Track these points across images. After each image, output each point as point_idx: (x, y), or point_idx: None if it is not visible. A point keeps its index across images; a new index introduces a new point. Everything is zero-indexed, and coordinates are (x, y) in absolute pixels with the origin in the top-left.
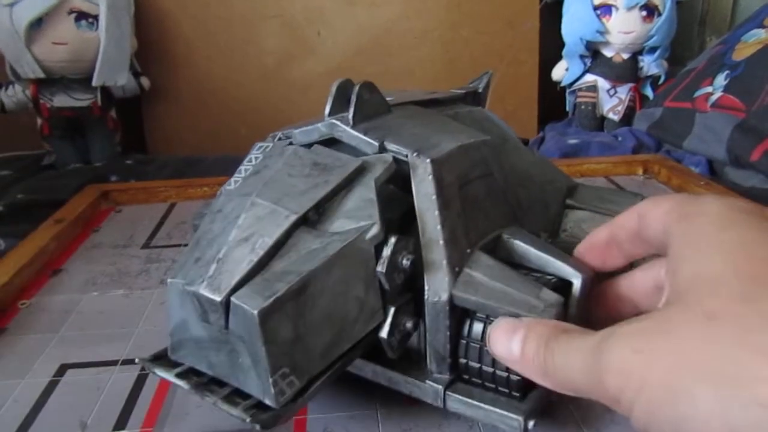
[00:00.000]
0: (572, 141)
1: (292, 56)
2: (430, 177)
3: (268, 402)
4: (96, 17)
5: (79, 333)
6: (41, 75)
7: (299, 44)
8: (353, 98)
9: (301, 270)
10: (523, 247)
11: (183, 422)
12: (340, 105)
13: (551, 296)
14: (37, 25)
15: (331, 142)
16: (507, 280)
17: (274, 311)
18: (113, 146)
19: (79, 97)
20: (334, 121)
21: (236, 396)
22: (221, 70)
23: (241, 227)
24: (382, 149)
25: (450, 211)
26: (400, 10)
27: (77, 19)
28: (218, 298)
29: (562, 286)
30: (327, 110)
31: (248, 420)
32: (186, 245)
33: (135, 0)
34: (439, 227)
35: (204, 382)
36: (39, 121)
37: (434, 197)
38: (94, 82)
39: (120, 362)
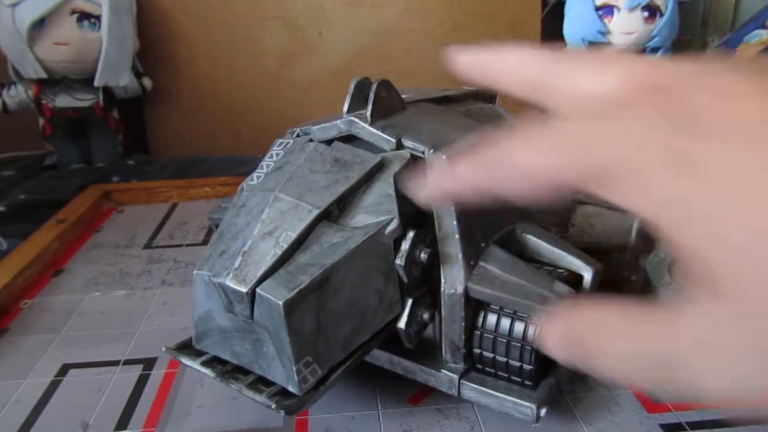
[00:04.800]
0: None
1: (293, 57)
2: None
3: (291, 389)
4: (98, 18)
5: (80, 333)
6: (43, 75)
7: (300, 45)
8: (371, 96)
9: (323, 263)
10: (535, 241)
11: (184, 422)
12: (357, 102)
13: (563, 288)
14: (40, 25)
15: (350, 139)
16: (520, 273)
17: (298, 302)
18: (115, 147)
19: (81, 97)
20: (352, 118)
21: (260, 384)
22: (223, 70)
23: (265, 221)
24: (400, 146)
25: (465, 206)
26: (402, 10)
27: (79, 20)
28: (244, 290)
29: (573, 279)
30: (345, 107)
31: (273, 406)
32: (188, 245)
33: (137, 0)
34: (455, 222)
35: (228, 370)
36: (41, 121)
37: None
38: (96, 83)
39: (122, 362)
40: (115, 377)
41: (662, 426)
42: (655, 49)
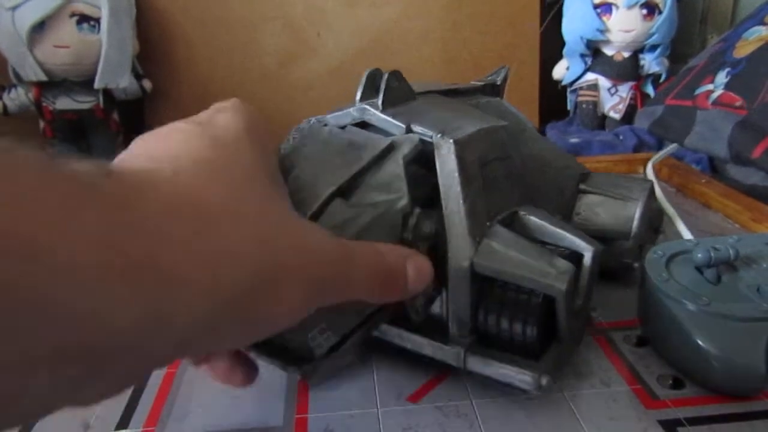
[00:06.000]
0: (573, 140)
1: (293, 57)
2: (453, 156)
3: (306, 355)
4: (98, 20)
5: None
6: (43, 78)
7: (300, 45)
8: (382, 85)
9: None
10: (537, 222)
11: (185, 421)
12: (369, 92)
13: (564, 264)
14: (39, 28)
15: (362, 126)
16: (523, 250)
17: None
18: (115, 149)
19: (82, 99)
20: (365, 106)
21: (275, 350)
22: (222, 71)
23: None
24: (409, 131)
25: (471, 187)
26: (401, 10)
27: (79, 22)
28: None
29: (574, 257)
30: (358, 96)
31: (291, 370)
32: None
33: (136, 2)
34: (461, 201)
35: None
36: (41, 123)
37: (457, 174)
38: (96, 85)
39: None
40: None
41: (660, 422)
42: (654, 47)
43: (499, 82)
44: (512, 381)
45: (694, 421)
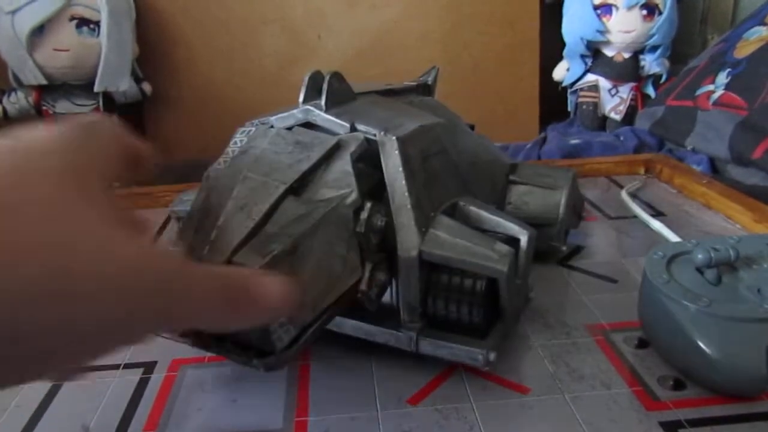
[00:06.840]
0: (574, 141)
1: (293, 59)
2: (397, 152)
3: (267, 349)
4: (97, 23)
5: None
6: (43, 81)
7: (300, 47)
8: (325, 87)
9: (292, 233)
10: (477, 211)
11: (184, 425)
12: (312, 93)
13: (504, 248)
14: (39, 32)
15: (307, 127)
16: (466, 237)
17: (270, 269)
18: None
19: (81, 103)
20: (308, 107)
21: (236, 347)
22: (222, 74)
23: (236, 198)
24: (354, 130)
25: (415, 181)
26: (401, 11)
27: (78, 26)
28: (222, 259)
29: (511, 242)
30: (301, 98)
31: (255, 364)
32: None
33: (136, 5)
34: (406, 194)
35: (205, 338)
36: None
37: (401, 169)
38: (96, 88)
39: (122, 366)
40: (115, 381)
41: (661, 423)
42: (654, 48)
43: (430, 82)
44: (463, 359)
45: (695, 423)
